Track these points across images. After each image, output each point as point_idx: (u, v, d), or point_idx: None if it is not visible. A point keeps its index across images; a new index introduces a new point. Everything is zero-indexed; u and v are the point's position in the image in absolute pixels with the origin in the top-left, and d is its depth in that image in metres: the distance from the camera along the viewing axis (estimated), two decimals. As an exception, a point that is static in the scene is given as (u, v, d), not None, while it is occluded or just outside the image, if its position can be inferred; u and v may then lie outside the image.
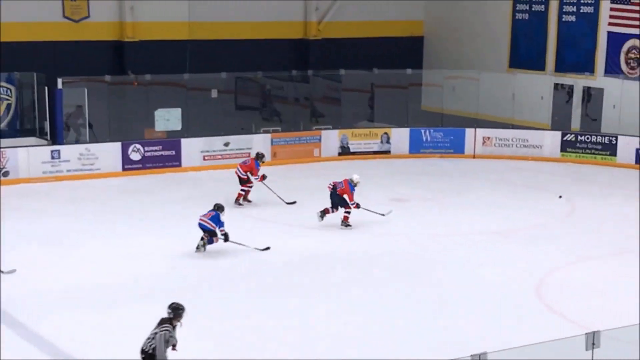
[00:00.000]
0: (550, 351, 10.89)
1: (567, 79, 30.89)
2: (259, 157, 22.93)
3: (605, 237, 20.39)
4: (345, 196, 20.57)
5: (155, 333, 11.70)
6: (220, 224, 18.57)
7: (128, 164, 26.06)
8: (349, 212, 20.73)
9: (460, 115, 31.78)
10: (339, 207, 20.77)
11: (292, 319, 15.18)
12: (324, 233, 20.34)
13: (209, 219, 18.57)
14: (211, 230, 18.54)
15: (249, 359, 13.53)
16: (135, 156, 26.24)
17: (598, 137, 28.61)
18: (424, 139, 29.43)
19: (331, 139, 28.90)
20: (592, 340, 10.53)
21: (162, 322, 11.87)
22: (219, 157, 27.26)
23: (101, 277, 17.10)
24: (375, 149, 29.30)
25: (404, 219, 21.60)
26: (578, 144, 28.75)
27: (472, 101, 31.47)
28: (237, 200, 22.58)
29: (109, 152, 25.99)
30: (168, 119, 27.72)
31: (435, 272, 17.75)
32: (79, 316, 15.07)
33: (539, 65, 31.98)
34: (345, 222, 20.74)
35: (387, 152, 29.24)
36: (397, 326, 14.95)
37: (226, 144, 27.41)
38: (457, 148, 29.38)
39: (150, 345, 11.66)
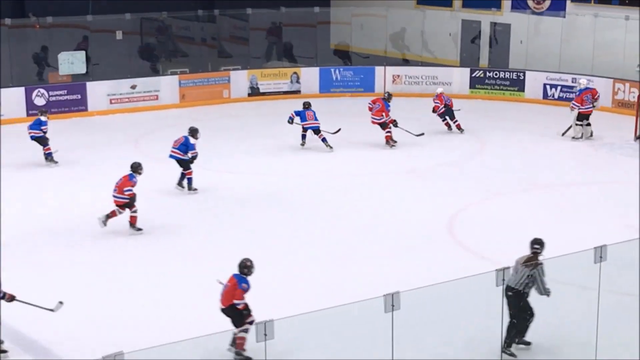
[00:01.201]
0: (461, 288, 10.97)
1: (474, 15, 30.95)
2: (388, 97, 23.22)
3: (515, 173, 20.62)
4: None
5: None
6: (190, 146, 18.52)
7: (32, 109, 25.39)
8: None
9: (368, 53, 31.68)
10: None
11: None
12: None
13: (177, 148, 18.53)
14: (182, 159, 18.57)
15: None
16: (40, 101, 25.62)
17: (506, 73, 28.81)
18: (334, 78, 29.30)
19: (240, 79, 28.57)
20: (503, 276, 10.62)
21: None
22: (126, 100, 26.76)
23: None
24: (285, 89, 29.09)
25: (311, 161, 21.55)
26: (487, 80, 28.93)
27: (381, 39, 31.37)
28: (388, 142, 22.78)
29: (12, 98, 25.31)
30: (72, 62, 27.06)
31: (344, 212, 17.76)
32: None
33: (447, 2, 31.94)
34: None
35: (297, 92, 29.05)
36: (308, 268, 14.93)
37: (133, 87, 26.91)
38: (367, 87, 29.30)
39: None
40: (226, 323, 11.56)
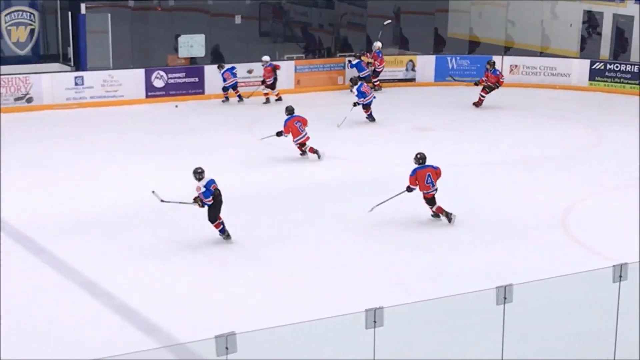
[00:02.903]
0: (576, 284, 10.75)
1: (597, 6, 30.31)
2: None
3: (632, 167, 20.15)
4: None
5: None
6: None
7: (151, 91, 25.91)
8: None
9: (488, 43, 31.31)
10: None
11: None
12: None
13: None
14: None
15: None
16: (159, 83, 26.09)
17: (627, 66, 28.17)
18: (450, 66, 29.08)
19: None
20: (620, 272, 10.39)
21: None
22: (242, 84, 27.04)
23: (115, 203, 17.13)
24: (400, 76, 28.99)
25: (426, 149, 21.34)
26: (607, 73, 28.34)
27: (500, 28, 31.01)
28: None
29: (132, 79, 25.85)
30: (192, 45, 27.50)
31: (457, 202, 17.58)
32: (95, 240, 15.15)
33: (569, -7, 31.37)
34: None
35: (413, 79, 28.93)
36: (422, 257, 14.87)
37: (250, 71, 27.18)
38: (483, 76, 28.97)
39: None
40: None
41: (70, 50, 26.65)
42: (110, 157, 20.33)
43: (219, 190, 14.96)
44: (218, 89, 26.37)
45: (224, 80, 25.74)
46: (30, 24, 26.78)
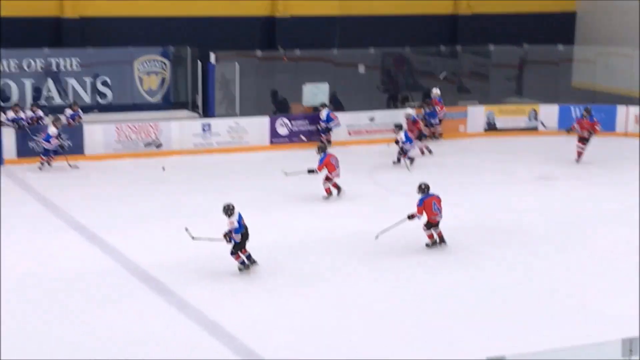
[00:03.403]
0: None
1: None
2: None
3: None
4: None
5: None
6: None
7: (275, 138, 26.61)
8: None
9: (612, 93, 31.03)
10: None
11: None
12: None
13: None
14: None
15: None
16: (283, 130, 26.79)
17: None
18: (574, 116, 28.90)
19: (477, 114, 28.79)
20: None
21: None
22: (364, 131, 27.53)
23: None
24: (523, 125, 29.03)
25: (549, 198, 21.42)
26: None
27: (626, 78, 30.71)
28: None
29: (257, 126, 26.63)
30: (316, 93, 28.16)
31: (580, 249, 17.48)
32: (225, 284, 15.57)
33: None
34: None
35: (535, 128, 28.92)
36: (542, 302, 14.89)
37: (371, 119, 27.65)
38: (608, 126, 28.63)
39: None
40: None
41: (199, 98, 27.64)
42: (239, 201, 20.87)
43: (246, 226, 15.74)
44: (340, 136, 26.96)
45: (330, 120, 26.36)
46: (162, 73, 27.93)
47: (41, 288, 15.18)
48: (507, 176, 23.53)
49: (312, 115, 27.40)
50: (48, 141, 23.21)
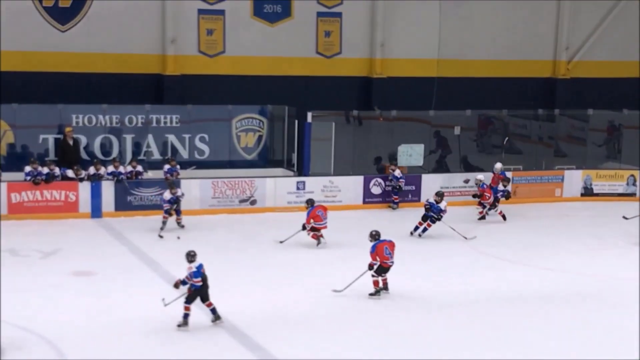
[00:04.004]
0: None
1: None
2: None
3: None
4: None
5: None
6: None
7: (369, 198, 26.72)
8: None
9: None
10: None
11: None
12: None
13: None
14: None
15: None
16: (376, 190, 26.88)
17: None
18: (674, 182, 28.47)
19: (574, 179, 28.53)
20: None
21: None
22: (458, 193, 27.46)
23: (336, 303, 17.64)
24: (621, 191, 28.61)
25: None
26: None
27: None
28: None
29: (351, 186, 26.80)
30: (410, 154, 28.21)
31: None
32: (318, 341, 15.60)
33: None
34: None
35: (633, 194, 28.46)
36: None
37: (466, 181, 27.58)
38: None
39: None
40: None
41: (295, 156, 27.93)
42: (327, 258, 21.12)
43: (206, 276, 15.90)
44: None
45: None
46: (259, 131, 28.34)
47: (132, 339, 15.41)
48: (601, 241, 23.20)
49: (406, 175, 27.45)
50: (162, 205, 23.19)
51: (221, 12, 30.58)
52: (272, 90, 30.27)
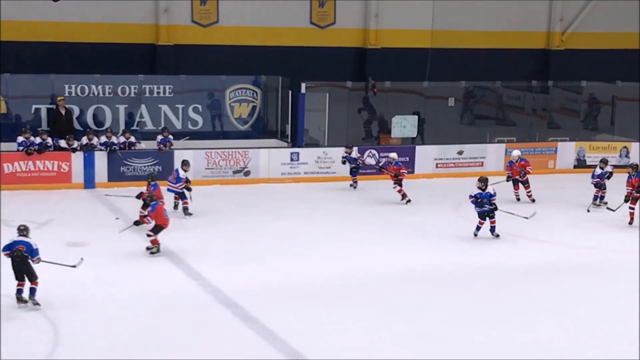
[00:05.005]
0: None
1: None
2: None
3: None
4: None
5: None
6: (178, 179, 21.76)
7: (363, 169, 26.71)
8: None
9: None
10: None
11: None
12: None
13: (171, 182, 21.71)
14: (177, 192, 21.80)
15: None
16: (370, 161, 26.86)
17: None
18: (670, 154, 28.49)
19: (567, 150, 28.58)
20: None
21: None
22: (452, 165, 27.47)
23: (329, 275, 17.64)
24: (614, 162, 28.58)
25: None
26: None
27: None
28: None
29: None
30: (404, 125, 28.22)
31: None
32: (309, 312, 15.61)
33: None
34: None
35: (625, 166, 28.43)
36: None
37: (460, 152, 27.58)
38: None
39: None
40: None
41: (289, 127, 27.90)
42: (325, 230, 21.18)
43: (20, 253, 15.32)
44: (427, 169, 27.01)
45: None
46: (253, 102, 28.29)
47: (126, 311, 15.44)
48: (597, 214, 23.26)
49: (400, 147, 27.45)
50: (177, 183, 22.05)
51: (215, -18, 30.50)
52: (266, 60, 30.20)
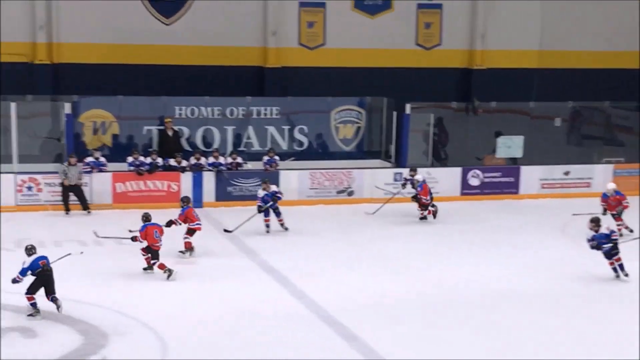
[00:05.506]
0: None
1: None
2: None
3: None
4: None
5: None
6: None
7: (466, 189, 26.72)
8: None
9: None
10: None
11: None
12: None
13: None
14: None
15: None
16: (474, 181, 26.85)
17: None
18: None
19: (676, 172, 28.04)
20: None
21: None
22: (558, 185, 27.27)
23: (424, 293, 17.78)
24: None
25: None
26: None
27: None
28: None
29: (449, 177, 26.85)
30: (509, 146, 28.13)
31: None
32: (408, 331, 15.70)
33: None
34: None
35: None
36: None
37: (566, 173, 27.35)
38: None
39: None
40: None
41: (392, 147, 28.05)
42: (427, 250, 21.30)
43: (48, 268, 15.62)
44: (532, 189, 26.86)
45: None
46: (357, 122, 28.54)
47: (236, 328, 15.73)
48: None
49: (505, 167, 27.38)
50: (263, 202, 22.32)
51: (322, 5, 30.89)
52: (371, 81, 30.44)
